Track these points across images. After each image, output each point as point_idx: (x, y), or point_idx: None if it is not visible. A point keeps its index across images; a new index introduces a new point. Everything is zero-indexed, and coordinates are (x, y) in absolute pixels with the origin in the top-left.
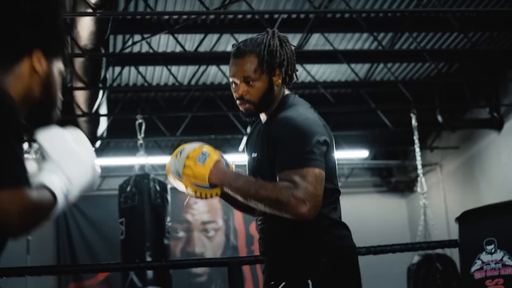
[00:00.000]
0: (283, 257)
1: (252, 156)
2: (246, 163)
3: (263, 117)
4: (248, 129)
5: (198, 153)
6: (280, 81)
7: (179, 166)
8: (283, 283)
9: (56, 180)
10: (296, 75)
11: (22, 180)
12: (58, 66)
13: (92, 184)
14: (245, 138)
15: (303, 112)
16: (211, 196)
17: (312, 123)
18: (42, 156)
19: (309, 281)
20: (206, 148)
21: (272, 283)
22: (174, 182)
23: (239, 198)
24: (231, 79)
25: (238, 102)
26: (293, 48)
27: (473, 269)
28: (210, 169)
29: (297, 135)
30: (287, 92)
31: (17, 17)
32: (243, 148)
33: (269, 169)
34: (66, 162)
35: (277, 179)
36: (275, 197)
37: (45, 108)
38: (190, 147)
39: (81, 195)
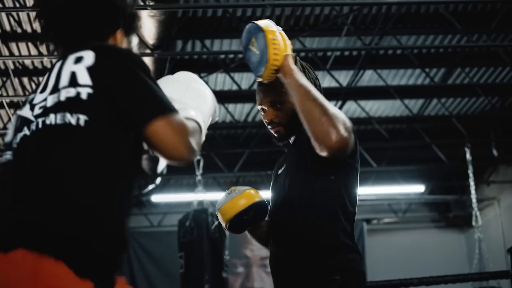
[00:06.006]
0: (300, 274)
1: (284, 172)
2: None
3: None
4: None
5: None
6: None
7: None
8: None
9: (193, 113)
10: None
11: (172, 108)
12: (135, 40)
13: (215, 111)
14: None
15: None
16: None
17: None
18: None
19: None
20: None
21: None
22: None
23: (297, 94)
24: (259, 107)
25: (269, 127)
26: (316, 75)
27: None
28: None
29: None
30: None
31: (105, 7)
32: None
33: (308, 177)
34: (193, 99)
35: None
36: (332, 111)
37: None
38: None
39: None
